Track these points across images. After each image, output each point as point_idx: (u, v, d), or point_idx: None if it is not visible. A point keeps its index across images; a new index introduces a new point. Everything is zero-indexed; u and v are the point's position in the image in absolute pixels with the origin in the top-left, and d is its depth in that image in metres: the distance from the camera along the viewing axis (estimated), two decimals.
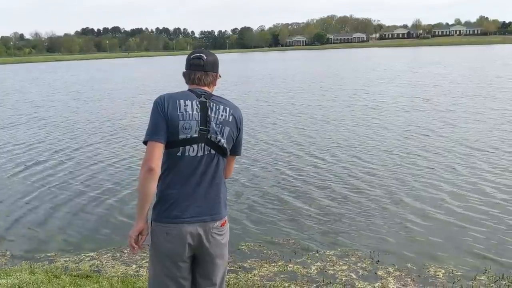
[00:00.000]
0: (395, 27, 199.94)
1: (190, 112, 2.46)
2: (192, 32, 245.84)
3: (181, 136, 2.44)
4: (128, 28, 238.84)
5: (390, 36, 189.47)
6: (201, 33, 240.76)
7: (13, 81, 44.00)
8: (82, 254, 5.83)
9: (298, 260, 5.49)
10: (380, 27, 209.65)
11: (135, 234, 2.51)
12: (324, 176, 8.90)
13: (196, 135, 2.46)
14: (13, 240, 6.44)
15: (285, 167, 9.68)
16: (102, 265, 5.49)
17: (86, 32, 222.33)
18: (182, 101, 2.48)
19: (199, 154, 2.48)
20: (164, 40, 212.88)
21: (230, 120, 2.55)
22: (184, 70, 2.65)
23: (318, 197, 7.75)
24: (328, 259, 5.49)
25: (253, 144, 11.97)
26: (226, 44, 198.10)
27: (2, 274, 4.89)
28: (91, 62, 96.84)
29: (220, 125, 2.51)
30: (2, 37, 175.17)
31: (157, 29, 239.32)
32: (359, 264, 5.33)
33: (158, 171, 2.43)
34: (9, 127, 16.16)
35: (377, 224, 6.52)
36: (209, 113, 2.50)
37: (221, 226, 2.57)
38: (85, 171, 9.92)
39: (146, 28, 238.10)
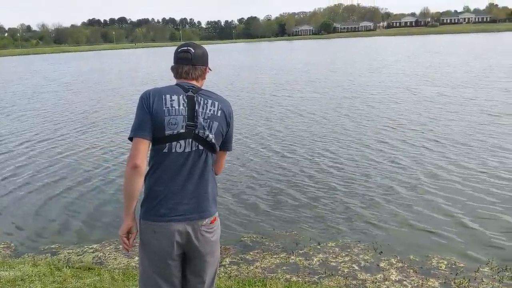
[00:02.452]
0: (403, 15, 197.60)
1: (177, 107, 2.40)
2: (199, 22, 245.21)
3: (167, 132, 2.39)
4: (134, 19, 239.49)
5: (397, 24, 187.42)
6: (208, 23, 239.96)
7: (11, 73, 44.21)
8: (85, 246, 5.86)
9: (300, 251, 5.48)
10: (387, 15, 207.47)
11: (123, 232, 2.49)
12: (325, 169, 8.86)
13: (183, 130, 2.40)
14: (16, 232, 6.49)
15: (286, 160, 9.64)
16: (104, 257, 5.51)
17: (92, 23, 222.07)
18: (168, 96, 2.42)
19: (186, 150, 2.42)
20: (170, 31, 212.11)
21: (219, 114, 2.48)
22: (172, 64, 2.60)
23: (319, 189, 7.72)
24: (330, 251, 5.48)
25: (251, 138, 11.93)
26: (233, 34, 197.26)
27: (5, 266, 4.93)
28: (97, 53, 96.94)
29: (208, 120, 2.44)
30: (9, 28, 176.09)
31: (164, 19, 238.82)
32: (361, 256, 5.31)
33: (143, 167, 2.39)
34: (17, 121, 16.27)
35: (379, 216, 6.49)
36: (196, 107, 2.44)
37: (210, 223, 2.51)
38: (88, 163, 9.95)
39: (153, 19, 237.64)
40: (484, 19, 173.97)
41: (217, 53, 67.77)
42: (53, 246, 5.95)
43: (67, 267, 4.94)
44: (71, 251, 5.75)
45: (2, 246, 5.99)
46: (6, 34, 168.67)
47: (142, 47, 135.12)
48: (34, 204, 7.58)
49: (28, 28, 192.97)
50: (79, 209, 7.27)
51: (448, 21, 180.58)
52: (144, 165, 2.39)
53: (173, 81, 2.62)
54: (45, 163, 10.07)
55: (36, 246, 5.98)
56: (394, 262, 5.13)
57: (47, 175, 9.16)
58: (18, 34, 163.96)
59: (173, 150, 2.41)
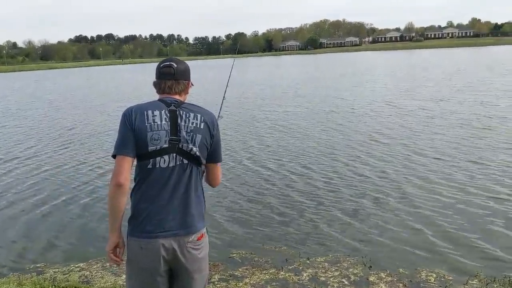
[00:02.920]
0: (387, 30, 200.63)
1: (159, 123, 2.40)
2: (186, 38, 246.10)
3: (151, 148, 2.38)
4: (122, 35, 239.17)
5: (383, 39, 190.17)
6: (195, 39, 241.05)
7: None
8: (72, 265, 5.76)
9: (290, 267, 5.45)
10: (373, 30, 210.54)
11: (110, 248, 2.48)
12: (313, 183, 8.86)
13: (166, 145, 2.40)
14: (1, 251, 6.36)
15: (273, 174, 9.64)
16: (91, 275, 5.42)
17: (79, 39, 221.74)
18: (150, 112, 2.42)
19: (170, 165, 2.42)
20: (158, 47, 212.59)
21: (202, 127, 2.48)
22: (155, 79, 2.60)
23: (308, 204, 7.70)
24: (320, 266, 5.45)
25: (237, 153, 11.93)
26: (220, 50, 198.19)
27: None
28: (84, 70, 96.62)
29: (191, 133, 2.44)
30: None
31: (151, 35, 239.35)
32: (350, 270, 5.29)
33: (127, 185, 2.39)
34: None
35: (368, 230, 6.49)
36: (179, 121, 2.43)
37: (197, 240, 2.49)
38: (73, 180, 9.84)
39: (140, 35, 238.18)
40: (468, 34, 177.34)
41: (205, 68, 67.90)
42: (38, 265, 5.84)
43: (53, 286, 4.85)
44: (57, 270, 5.65)
45: None
46: None
47: (130, 63, 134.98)
48: (19, 223, 7.45)
49: (14, 45, 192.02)
50: (64, 227, 7.17)
51: (432, 35, 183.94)
52: (127, 183, 2.39)
53: (156, 96, 2.62)
54: (29, 181, 9.93)
55: (21, 266, 5.86)
56: (384, 276, 5.12)
57: (31, 193, 9.02)
58: (4, 51, 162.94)
59: (157, 166, 2.40)
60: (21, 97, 33.43)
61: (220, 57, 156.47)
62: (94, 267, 5.67)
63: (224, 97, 3.79)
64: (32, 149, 13.50)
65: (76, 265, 5.74)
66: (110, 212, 2.44)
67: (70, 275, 5.45)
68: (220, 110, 3.57)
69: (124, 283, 5.10)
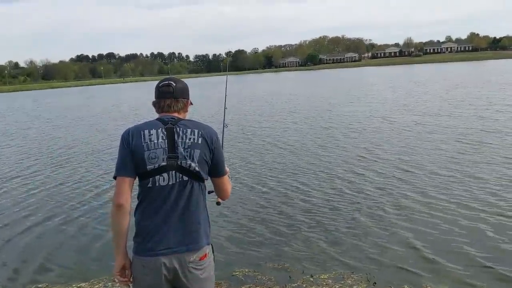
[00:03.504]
0: (387, 45, 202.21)
1: (155, 141, 2.42)
2: (187, 56, 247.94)
3: (149, 167, 2.40)
4: (123, 54, 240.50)
5: (382, 55, 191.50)
6: (196, 56, 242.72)
7: None
8: (73, 285, 5.71)
9: (293, 285, 5.39)
10: (372, 46, 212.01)
11: (117, 270, 2.48)
12: (315, 200, 8.83)
13: (164, 163, 2.41)
14: (3, 272, 6.31)
15: (278, 192, 9.61)
16: None
17: (81, 58, 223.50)
18: (146, 131, 2.44)
19: (170, 183, 2.43)
20: (159, 65, 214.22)
21: (200, 142, 2.48)
22: (154, 99, 2.61)
23: (309, 221, 7.66)
24: (324, 283, 5.40)
25: (239, 170, 11.92)
26: (221, 67, 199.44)
27: None
28: (85, 89, 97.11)
29: (189, 149, 2.44)
30: None
31: (152, 54, 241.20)
32: (354, 287, 5.24)
33: (127, 206, 2.40)
34: None
35: (372, 246, 6.43)
36: (176, 138, 2.44)
37: (199, 260, 2.47)
38: (73, 199, 9.82)
39: (141, 53, 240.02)
40: (467, 48, 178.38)
41: (205, 85, 68.24)
42: (40, 285, 5.79)
43: None
44: None
45: None
46: None
47: (131, 82, 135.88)
48: (18, 243, 7.41)
49: (16, 64, 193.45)
50: (65, 247, 7.12)
51: (431, 50, 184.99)
52: (128, 204, 2.41)
53: (155, 115, 2.64)
54: (28, 200, 9.90)
55: (22, 285, 5.81)
56: None
57: (30, 212, 8.98)
58: (6, 71, 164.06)
59: (157, 184, 2.42)
60: (20, 117, 33.58)
61: (221, 74, 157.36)
62: (96, 287, 5.62)
63: (225, 107, 3.84)
64: (30, 168, 13.49)
65: (78, 285, 5.69)
66: (113, 232, 2.46)
67: None
68: (224, 119, 3.64)
69: None
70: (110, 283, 5.66)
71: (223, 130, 3.62)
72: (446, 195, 8.46)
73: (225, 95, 4.52)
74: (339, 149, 13.62)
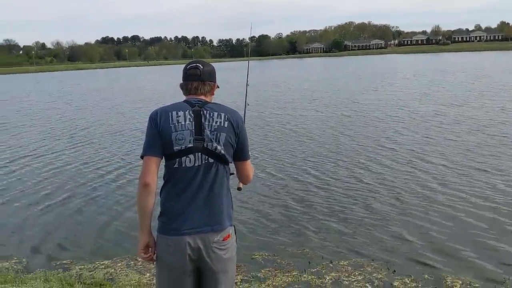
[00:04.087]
0: (414, 33, 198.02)
1: (183, 123, 2.45)
2: (211, 40, 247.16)
3: (176, 148, 2.44)
4: (147, 37, 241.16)
5: (409, 42, 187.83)
6: (219, 41, 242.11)
7: (20, 90, 44.90)
8: (97, 262, 5.85)
9: (312, 270, 5.43)
10: (398, 33, 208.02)
11: (141, 248, 2.54)
12: (336, 186, 8.81)
13: (191, 145, 2.45)
14: (28, 248, 6.50)
15: (299, 178, 9.61)
16: (116, 273, 5.50)
17: (106, 41, 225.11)
18: (174, 113, 2.48)
19: (196, 164, 2.46)
20: (183, 48, 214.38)
21: (226, 125, 2.50)
22: (181, 81, 2.64)
23: (330, 207, 7.66)
24: (343, 269, 5.41)
25: (259, 155, 11.93)
26: (244, 52, 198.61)
27: (18, 282, 4.94)
28: (110, 71, 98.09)
29: (215, 132, 2.47)
30: (24, 46, 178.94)
31: (176, 37, 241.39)
32: (374, 275, 5.24)
33: (153, 185, 2.45)
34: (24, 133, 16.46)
35: (393, 234, 6.41)
36: (202, 121, 2.48)
37: (223, 240, 2.51)
38: (99, 179, 10.01)
39: (165, 37, 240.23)
40: (496, 37, 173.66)
41: (229, 71, 68.25)
42: (64, 261, 5.96)
43: (79, 283, 4.94)
44: (82, 267, 5.75)
45: (14, 261, 6.02)
46: (21, 52, 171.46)
47: (155, 65, 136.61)
48: (45, 220, 7.62)
49: (43, 46, 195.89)
50: (90, 226, 7.29)
51: (460, 39, 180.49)
52: (154, 183, 2.45)
53: (180, 98, 2.66)
54: (56, 179, 10.14)
55: (47, 262, 5.99)
56: (408, 282, 5.06)
57: (58, 191, 9.21)
58: (33, 52, 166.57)
59: (183, 165, 2.45)
60: (44, 97, 34.17)
61: (244, 59, 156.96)
62: (119, 265, 5.75)
63: (246, 102, 3.81)
64: (59, 145, 13.78)
65: (101, 263, 5.83)
66: (138, 211, 2.51)
67: (95, 272, 5.54)
68: (244, 116, 3.63)
69: (148, 281, 5.18)
70: (132, 262, 5.79)
71: (244, 109, 3.61)
72: (466, 186, 8.34)
73: (247, 72, 4.49)
74: (359, 137, 13.51)
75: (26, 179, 10.26)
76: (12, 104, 29.78)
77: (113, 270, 5.60)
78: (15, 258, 6.10)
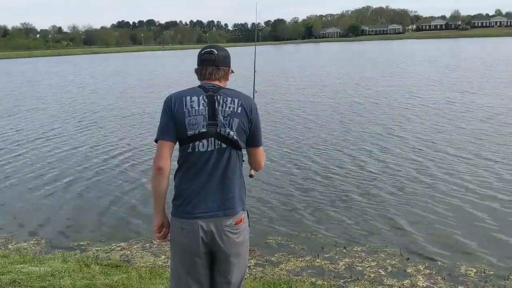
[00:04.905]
0: (432, 18, 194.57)
1: (196, 108, 2.47)
2: (226, 24, 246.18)
3: (189, 132, 2.46)
4: (162, 21, 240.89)
5: (427, 27, 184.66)
6: (234, 25, 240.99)
7: (36, 73, 45.25)
8: (113, 244, 5.96)
9: (326, 255, 5.45)
10: (417, 18, 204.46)
11: (155, 228, 2.59)
12: (351, 172, 8.80)
13: (204, 130, 2.46)
14: (47, 229, 6.64)
15: (312, 163, 9.61)
16: (132, 255, 5.60)
17: (121, 25, 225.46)
18: (188, 98, 2.49)
19: (209, 149, 2.48)
20: (198, 33, 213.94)
21: (239, 111, 2.51)
22: (196, 66, 2.64)
23: (346, 193, 7.67)
24: (356, 255, 5.43)
25: (273, 141, 11.94)
26: (259, 37, 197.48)
27: (36, 262, 5.05)
28: (125, 55, 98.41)
29: (228, 118, 2.48)
30: (41, 30, 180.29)
31: (191, 21, 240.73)
32: (388, 261, 5.25)
33: (167, 169, 2.48)
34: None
35: (406, 221, 6.40)
36: (216, 106, 2.48)
37: (235, 224, 2.53)
38: (115, 163, 10.13)
39: (181, 21, 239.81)
40: None
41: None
42: (82, 243, 6.07)
43: (96, 264, 5.03)
44: (99, 248, 5.86)
45: (33, 242, 6.15)
46: (38, 36, 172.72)
47: (170, 49, 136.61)
48: (64, 202, 7.75)
49: (60, 29, 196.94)
50: (107, 208, 7.40)
51: (479, 24, 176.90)
52: (167, 167, 2.49)
53: (192, 83, 2.67)
54: (74, 162, 10.29)
55: (65, 243, 6.12)
56: (422, 269, 5.06)
57: (76, 174, 9.35)
58: (50, 36, 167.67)
59: (196, 150, 2.47)
60: (58, 81, 34.41)
61: (260, 44, 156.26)
62: (135, 247, 5.84)
63: (254, 90, 3.80)
64: (81, 129, 13.95)
65: (118, 245, 5.94)
66: (153, 194, 2.56)
67: (111, 253, 5.65)
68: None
69: (163, 263, 5.26)
70: (147, 244, 5.88)
71: (253, 96, 3.61)
72: (483, 176, 8.26)
73: (254, 58, 4.48)
74: (371, 124, 13.43)
75: (38, 159, 10.44)
76: (28, 87, 30.09)
77: (129, 252, 5.70)
78: (34, 239, 6.24)
